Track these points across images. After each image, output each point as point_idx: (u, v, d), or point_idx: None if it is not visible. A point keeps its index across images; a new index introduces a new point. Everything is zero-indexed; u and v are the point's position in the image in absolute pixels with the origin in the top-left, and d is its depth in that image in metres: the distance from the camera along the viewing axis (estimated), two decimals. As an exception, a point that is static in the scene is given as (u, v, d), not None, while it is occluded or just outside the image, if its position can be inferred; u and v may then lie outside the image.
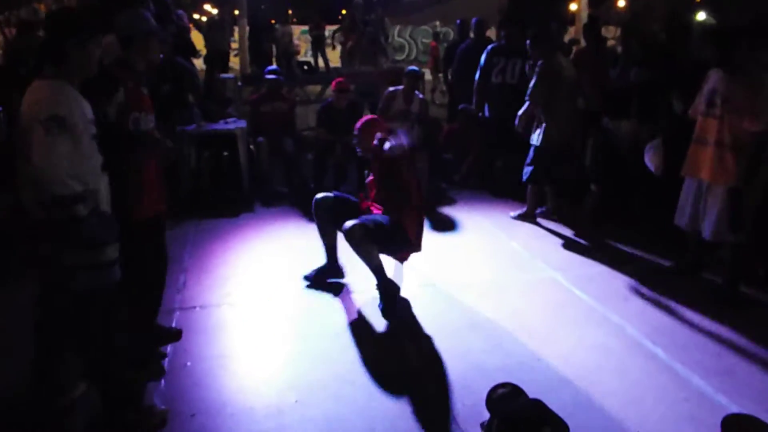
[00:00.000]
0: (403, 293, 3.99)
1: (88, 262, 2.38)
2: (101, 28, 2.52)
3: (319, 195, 4.18)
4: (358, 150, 4.27)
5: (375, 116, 4.29)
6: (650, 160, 4.49)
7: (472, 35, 7.50)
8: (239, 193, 6.09)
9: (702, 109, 3.90)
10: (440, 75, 11.56)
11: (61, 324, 2.51)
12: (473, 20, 7.43)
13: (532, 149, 5.36)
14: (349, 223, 3.68)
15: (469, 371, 3.13)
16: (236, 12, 13.45)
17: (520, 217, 5.58)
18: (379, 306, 3.79)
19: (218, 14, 11.81)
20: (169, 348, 3.32)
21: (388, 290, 3.82)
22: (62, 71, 2.39)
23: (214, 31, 10.98)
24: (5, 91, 4.89)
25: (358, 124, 4.19)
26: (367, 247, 3.73)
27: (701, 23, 8.54)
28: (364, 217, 3.84)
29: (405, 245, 3.94)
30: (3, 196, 4.50)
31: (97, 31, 2.47)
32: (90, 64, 2.46)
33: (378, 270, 3.80)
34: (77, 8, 2.93)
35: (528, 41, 5.39)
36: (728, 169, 3.75)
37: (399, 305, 3.82)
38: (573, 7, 13.74)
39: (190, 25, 10.18)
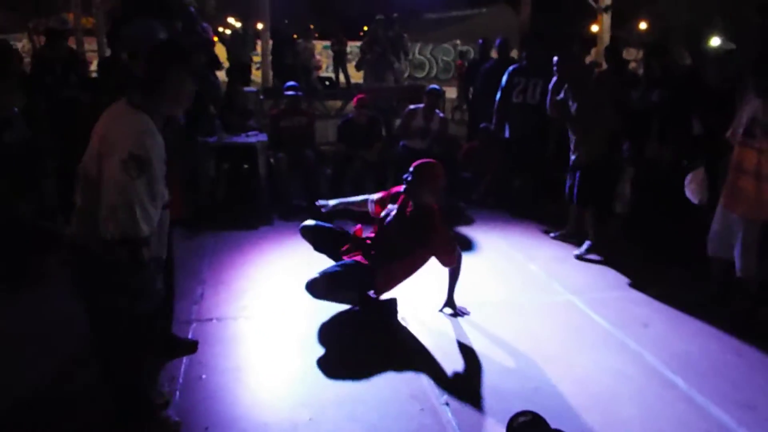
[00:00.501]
0: (418, 314, 3.98)
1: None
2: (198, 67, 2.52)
3: (303, 224, 4.20)
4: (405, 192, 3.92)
5: (437, 163, 4.02)
6: (693, 192, 4.32)
7: (495, 55, 7.53)
8: (258, 206, 6.12)
9: (740, 138, 3.80)
10: (465, 93, 11.62)
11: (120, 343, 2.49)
12: (497, 40, 7.46)
13: (577, 171, 5.13)
14: (310, 279, 3.68)
15: (484, 394, 3.09)
16: (260, 26, 13.61)
17: (561, 237, 5.50)
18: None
19: (241, 27, 11.95)
20: (184, 360, 3.32)
21: (383, 312, 3.88)
22: (151, 102, 2.34)
23: (237, 44, 11.11)
24: (31, 98, 4.98)
25: (419, 165, 3.91)
26: (336, 295, 3.80)
27: (722, 48, 8.51)
28: (332, 265, 3.84)
29: (369, 289, 3.87)
30: (25, 203, 4.59)
31: (195, 69, 2.46)
32: (181, 102, 2.44)
33: (359, 302, 3.87)
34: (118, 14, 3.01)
35: (556, 61, 5.30)
36: (766, 203, 3.69)
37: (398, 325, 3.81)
38: (594, 28, 13.74)
39: (214, 38, 10.31)
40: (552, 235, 5.56)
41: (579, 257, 5.06)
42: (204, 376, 3.18)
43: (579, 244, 5.23)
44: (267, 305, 4.09)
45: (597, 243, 5.10)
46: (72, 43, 8.11)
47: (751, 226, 3.79)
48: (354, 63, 15.01)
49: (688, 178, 4.35)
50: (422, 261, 3.90)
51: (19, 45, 13.01)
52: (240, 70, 10.81)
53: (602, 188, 5.18)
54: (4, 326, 3.69)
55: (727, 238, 3.95)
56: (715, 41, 9.53)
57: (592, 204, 5.14)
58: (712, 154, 4.31)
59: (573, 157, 5.17)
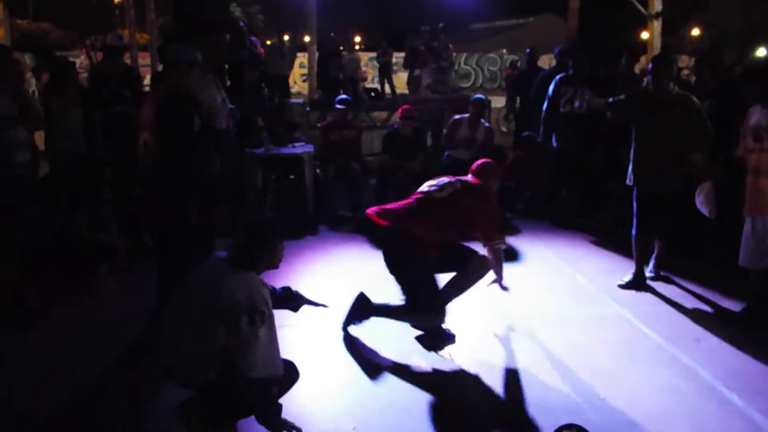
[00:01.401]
0: (463, 324, 3.95)
1: None
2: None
3: None
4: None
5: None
6: (702, 204, 4.23)
7: (553, 63, 7.47)
8: (304, 216, 6.20)
9: (751, 146, 3.87)
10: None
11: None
12: (556, 49, 7.41)
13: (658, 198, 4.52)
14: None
15: (529, 407, 3.05)
16: (306, 38, 13.83)
17: (628, 286, 4.62)
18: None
19: (278, 40, 12.11)
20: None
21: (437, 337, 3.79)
22: (255, 265, 2.72)
23: (274, 56, 11.27)
24: (88, 112, 5.18)
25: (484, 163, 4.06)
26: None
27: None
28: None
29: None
30: (80, 215, 4.76)
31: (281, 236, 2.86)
32: (276, 262, 2.83)
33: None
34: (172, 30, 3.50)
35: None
36: None
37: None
38: (644, 35, 13.45)
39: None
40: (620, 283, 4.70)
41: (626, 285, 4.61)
42: (250, 384, 3.22)
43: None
44: (312, 314, 4.10)
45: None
46: (126, 58, 8.38)
47: None
48: (398, 74, 15.12)
49: (698, 190, 4.24)
50: (462, 227, 3.83)
51: (77, 61, 13.54)
52: (277, 82, 11.00)
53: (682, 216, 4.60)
54: (55, 336, 3.83)
55: (758, 246, 3.85)
56: (761, 51, 9.24)
57: (666, 231, 4.63)
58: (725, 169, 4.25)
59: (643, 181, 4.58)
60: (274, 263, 2.82)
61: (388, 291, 4.49)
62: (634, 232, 4.64)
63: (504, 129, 11.78)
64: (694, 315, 4.15)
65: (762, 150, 3.80)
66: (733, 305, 4.25)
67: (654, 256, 4.78)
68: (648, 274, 4.71)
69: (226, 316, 2.50)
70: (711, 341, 3.77)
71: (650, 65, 4.65)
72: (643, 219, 4.59)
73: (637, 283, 4.60)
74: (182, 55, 3.56)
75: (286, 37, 12.67)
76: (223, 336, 2.49)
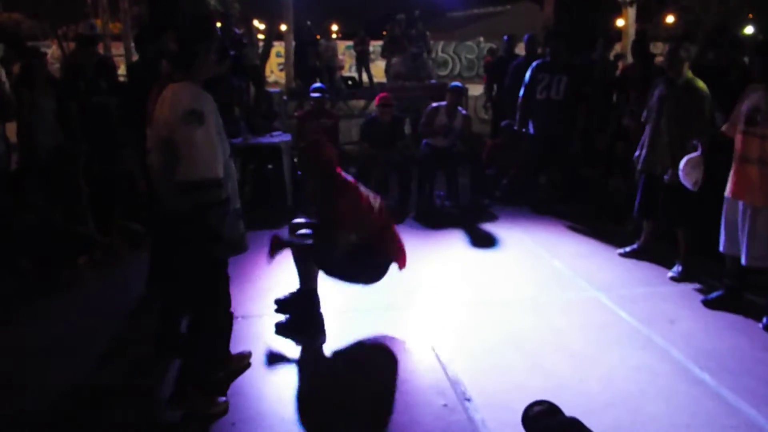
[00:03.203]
0: (442, 310, 3.99)
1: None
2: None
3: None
4: None
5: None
6: (687, 175, 4.12)
7: (524, 51, 7.49)
8: (283, 206, 6.18)
9: (741, 128, 3.82)
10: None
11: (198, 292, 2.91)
12: (525, 37, 7.43)
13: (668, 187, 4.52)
14: None
15: (509, 390, 3.09)
16: (283, 27, 13.73)
17: (630, 254, 4.96)
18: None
19: (244, 31, 11.99)
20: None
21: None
22: (190, 74, 2.70)
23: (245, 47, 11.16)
24: (64, 103, 5.10)
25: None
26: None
27: (751, 37, 8.35)
28: None
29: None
30: (57, 207, 4.71)
31: (213, 39, 2.80)
32: (210, 67, 2.78)
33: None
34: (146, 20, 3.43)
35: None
36: None
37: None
38: (620, 22, 13.57)
39: None
40: (621, 251, 5.02)
41: (674, 279, 4.56)
42: (231, 373, 3.23)
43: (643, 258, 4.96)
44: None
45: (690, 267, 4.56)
46: (100, 48, 8.25)
47: (758, 213, 3.75)
48: (375, 62, 15.06)
49: (683, 161, 4.14)
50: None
51: (49, 51, 13.28)
52: (250, 72, 10.88)
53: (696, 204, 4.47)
54: (36, 330, 3.79)
55: (735, 231, 3.90)
56: (748, 30, 9.37)
57: (686, 223, 4.56)
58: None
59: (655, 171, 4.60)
60: (209, 68, 2.78)
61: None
62: (635, 213, 4.89)
63: (485, 116, 11.81)
64: (669, 297, 4.23)
65: (752, 134, 3.74)
66: (706, 287, 4.34)
67: (681, 251, 4.59)
68: (671, 274, 4.58)
69: (167, 123, 2.59)
70: (684, 323, 3.85)
71: (668, 47, 4.69)
72: (644, 202, 4.72)
73: (637, 252, 4.95)
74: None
75: (262, 26, 12.56)
76: (167, 140, 2.59)
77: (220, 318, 3.05)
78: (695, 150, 4.16)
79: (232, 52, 5.60)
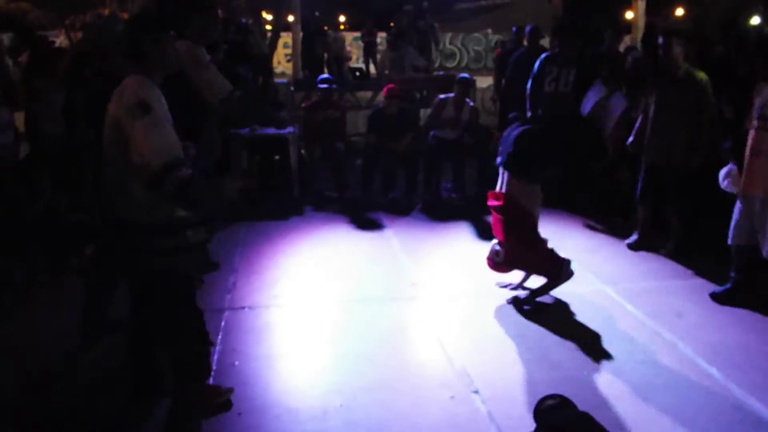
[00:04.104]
0: (448, 302, 3.99)
1: (173, 246, 2.61)
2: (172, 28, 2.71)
3: None
4: None
5: None
6: (730, 185, 4.08)
7: (525, 43, 7.44)
8: (289, 197, 6.18)
9: (754, 123, 3.84)
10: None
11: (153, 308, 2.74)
12: (527, 28, 7.37)
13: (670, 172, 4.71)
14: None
15: (514, 382, 3.09)
16: (290, 18, 13.67)
17: (637, 246, 4.98)
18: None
19: (252, 21, 11.95)
20: (218, 346, 3.39)
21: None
22: (143, 68, 2.57)
23: (253, 37, 11.13)
24: (70, 92, 5.10)
25: None
26: None
27: (757, 31, 8.28)
28: None
29: None
30: (63, 196, 4.72)
31: (169, 29, 2.66)
32: (166, 59, 2.64)
33: None
34: (152, 10, 3.21)
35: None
36: None
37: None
38: (629, 15, 13.46)
39: None
40: (629, 241, 5.04)
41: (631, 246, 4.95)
42: (237, 363, 3.24)
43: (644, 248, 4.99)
44: (298, 294, 4.14)
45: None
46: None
47: None
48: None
49: (723, 172, 4.18)
50: None
51: (57, 41, 13.29)
52: (257, 62, 10.85)
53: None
54: (40, 318, 3.81)
55: (749, 225, 3.89)
56: (755, 20, 9.30)
57: (682, 206, 4.76)
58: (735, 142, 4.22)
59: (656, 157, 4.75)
60: (166, 61, 2.64)
61: (372, 271, 4.54)
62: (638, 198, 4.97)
63: (493, 108, 11.75)
64: (676, 291, 4.21)
65: (764, 129, 3.75)
66: (714, 281, 4.31)
67: (672, 233, 4.87)
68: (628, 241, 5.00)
69: (114, 126, 2.52)
70: (691, 317, 3.83)
71: (660, 40, 4.73)
72: (646, 190, 4.86)
73: (638, 245, 4.97)
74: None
75: (269, 17, 12.52)
76: (117, 139, 2.50)
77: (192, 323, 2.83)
78: (726, 155, 4.19)
79: (225, 45, 5.51)
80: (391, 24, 13.48)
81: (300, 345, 3.49)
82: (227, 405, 2.86)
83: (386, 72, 9.88)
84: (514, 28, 8.59)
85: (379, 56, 11.04)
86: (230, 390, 2.94)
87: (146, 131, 2.43)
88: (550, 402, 2.50)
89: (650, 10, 11.64)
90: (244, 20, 8.08)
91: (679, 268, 4.59)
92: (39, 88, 4.96)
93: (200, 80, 3.60)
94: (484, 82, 13.03)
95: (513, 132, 3.98)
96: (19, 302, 3.95)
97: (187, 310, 2.76)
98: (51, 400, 2.96)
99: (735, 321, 3.77)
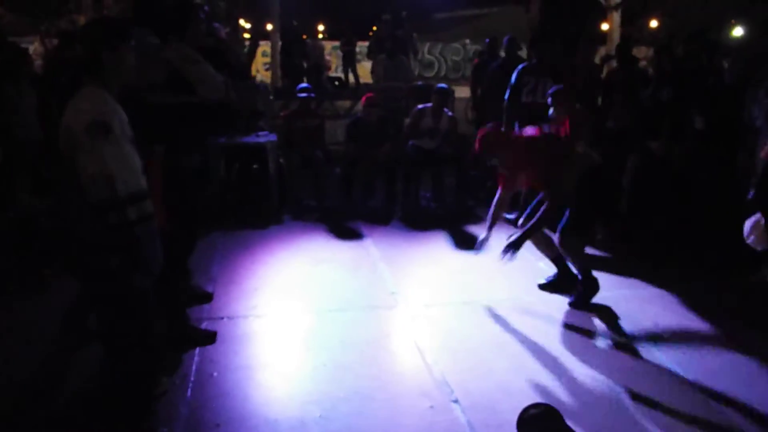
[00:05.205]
0: (427, 311, 4.00)
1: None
2: (132, 36, 2.58)
3: None
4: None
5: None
6: (757, 241, 3.98)
7: (503, 53, 7.51)
8: (268, 206, 6.15)
9: None
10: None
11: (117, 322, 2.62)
12: (505, 39, 7.44)
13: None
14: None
15: (493, 391, 3.10)
16: (269, 26, 13.66)
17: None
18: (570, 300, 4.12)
19: (229, 29, 11.90)
20: (195, 357, 3.35)
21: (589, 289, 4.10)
22: (98, 79, 2.45)
23: (230, 46, 11.10)
24: (45, 100, 5.04)
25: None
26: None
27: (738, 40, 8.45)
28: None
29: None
30: (39, 202, 4.64)
31: (127, 38, 2.53)
32: (124, 69, 2.52)
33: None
34: (109, 18, 3.07)
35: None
36: None
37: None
38: (605, 26, 13.67)
39: None
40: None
41: None
42: (215, 374, 3.21)
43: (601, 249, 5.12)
44: (277, 303, 4.11)
45: None
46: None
47: None
48: (362, 63, 15.03)
49: (748, 226, 4.02)
50: None
51: (30, 48, 13.11)
52: (233, 70, 10.81)
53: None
54: (17, 328, 3.74)
55: None
56: (737, 31, 9.49)
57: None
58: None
59: None
60: (123, 71, 2.51)
61: (351, 280, 4.53)
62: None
63: (470, 118, 11.82)
64: (653, 299, 4.26)
65: None
66: (691, 288, 4.38)
67: None
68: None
69: (68, 141, 2.36)
70: (669, 324, 3.88)
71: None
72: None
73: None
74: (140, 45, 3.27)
75: (248, 25, 12.48)
76: (70, 157, 2.34)
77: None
78: (751, 206, 4.13)
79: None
80: (370, 33, 13.52)
81: (279, 355, 3.47)
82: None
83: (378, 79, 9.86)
84: (487, 39, 8.68)
85: (371, 64, 11.08)
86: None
87: (104, 156, 2.30)
88: (533, 411, 2.50)
89: (625, 21, 11.85)
90: (216, 25, 8.00)
91: (657, 277, 4.62)
92: (9, 94, 4.90)
93: (192, 78, 3.51)
94: (463, 92, 13.13)
95: None
96: None
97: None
98: (30, 410, 2.90)
99: (711, 329, 3.83)
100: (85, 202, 2.35)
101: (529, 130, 4.24)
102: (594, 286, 4.11)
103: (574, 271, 4.19)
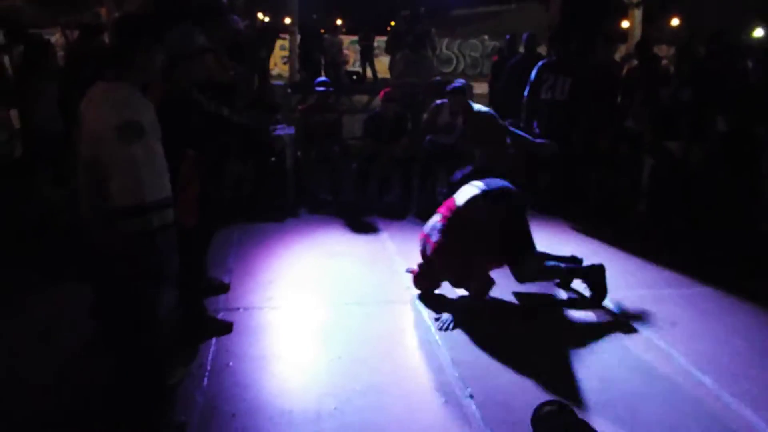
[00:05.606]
0: (443, 306, 3.99)
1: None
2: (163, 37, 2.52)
3: None
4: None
5: None
6: None
7: (522, 50, 7.47)
8: (285, 199, 6.17)
9: None
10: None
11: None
12: (524, 35, 7.40)
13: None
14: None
15: (508, 388, 3.09)
16: (287, 20, 13.68)
17: None
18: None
19: (246, 23, 11.93)
20: (212, 347, 3.38)
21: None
22: (126, 75, 2.38)
23: (249, 39, 11.14)
24: (67, 92, 5.09)
25: None
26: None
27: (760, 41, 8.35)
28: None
29: None
30: (60, 193, 4.70)
31: (160, 38, 2.48)
32: (152, 69, 2.46)
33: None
34: (145, 14, 3.01)
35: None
36: None
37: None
38: (625, 24, 13.54)
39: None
40: None
41: None
42: (231, 364, 3.23)
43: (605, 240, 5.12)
44: (293, 296, 4.13)
45: None
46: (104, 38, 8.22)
47: None
48: (380, 58, 15.02)
49: None
50: None
51: (52, 39, 13.24)
52: (253, 63, 10.84)
53: None
54: (30, 321, 3.78)
55: None
56: (758, 32, 9.38)
57: None
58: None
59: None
60: (151, 70, 2.44)
61: (367, 274, 4.53)
62: None
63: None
64: (671, 300, 4.22)
65: None
66: (709, 292, 4.34)
67: None
68: None
69: (95, 140, 2.24)
70: (686, 326, 3.84)
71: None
72: None
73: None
74: (187, 42, 3.03)
75: (266, 19, 12.51)
76: (95, 157, 2.23)
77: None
78: None
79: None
80: (388, 28, 13.50)
81: (294, 347, 3.48)
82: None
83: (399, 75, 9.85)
84: (507, 36, 8.63)
85: (389, 59, 11.07)
86: (185, 424, 2.75)
87: (137, 160, 2.21)
88: (548, 408, 2.51)
89: (646, 19, 11.73)
90: (235, 17, 8.00)
91: (675, 277, 4.60)
92: (32, 86, 4.95)
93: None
94: (481, 88, 13.09)
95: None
96: (7, 304, 3.90)
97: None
98: (42, 403, 2.93)
99: (728, 330, 3.79)
100: (105, 205, 2.26)
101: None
102: (595, 272, 4.10)
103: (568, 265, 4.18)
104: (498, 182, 4.01)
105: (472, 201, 3.87)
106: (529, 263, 3.94)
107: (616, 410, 2.93)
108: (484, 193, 3.89)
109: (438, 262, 3.89)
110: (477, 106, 5.64)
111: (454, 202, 3.97)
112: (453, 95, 6.02)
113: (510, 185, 4.01)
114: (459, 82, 6.74)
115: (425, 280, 4.08)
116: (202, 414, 2.82)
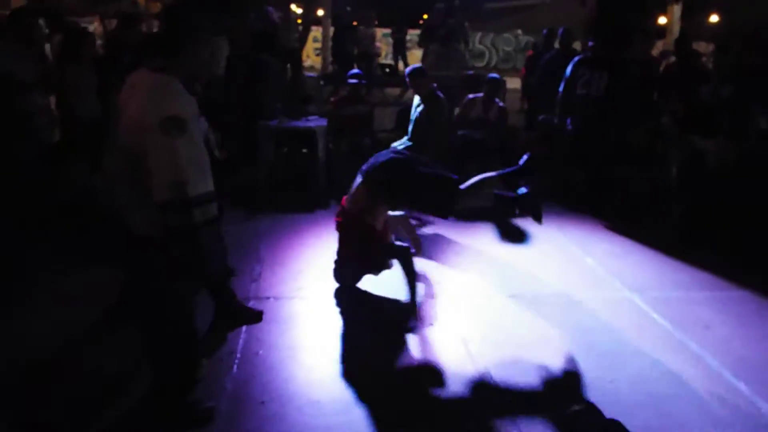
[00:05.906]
0: (472, 302, 3.98)
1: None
2: (216, 30, 2.44)
3: None
4: None
5: None
6: None
7: (557, 45, 7.39)
8: (315, 190, 6.20)
9: None
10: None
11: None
12: (560, 30, 7.31)
13: None
14: None
15: (537, 386, 3.07)
16: (320, 12, 13.72)
17: None
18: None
19: (280, 15, 11.96)
20: (242, 335, 3.42)
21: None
22: (171, 65, 2.29)
23: (282, 30, 11.17)
24: (106, 81, 5.18)
25: None
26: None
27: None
28: None
29: None
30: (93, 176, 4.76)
31: (212, 33, 2.40)
32: (199, 63, 2.37)
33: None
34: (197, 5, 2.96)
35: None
36: None
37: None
38: (663, 20, 13.28)
39: None
40: None
41: None
42: (260, 352, 3.27)
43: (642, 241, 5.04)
44: (322, 286, 4.15)
45: None
46: (142, 27, 8.33)
47: None
48: (412, 51, 14.98)
49: None
50: None
51: (90, 27, 13.49)
52: (288, 55, 10.89)
53: None
54: (49, 307, 3.85)
55: None
56: None
57: None
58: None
59: None
60: (197, 64, 2.33)
61: (396, 267, 4.53)
62: None
63: (522, 108, 11.68)
64: (704, 302, 4.14)
65: None
66: (745, 295, 4.25)
67: None
68: None
69: (140, 128, 2.17)
70: (720, 329, 3.77)
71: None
72: None
73: None
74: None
75: (299, 10, 12.55)
76: (136, 147, 2.16)
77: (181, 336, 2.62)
78: None
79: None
80: (421, 21, 13.45)
81: (323, 337, 3.50)
82: (204, 423, 2.69)
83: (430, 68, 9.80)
84: (545, 31, 8.54)
85: (421, 52, 11.04)
86: (212, 408, 2.77)
87: (179, 153, 2.14)
88: (576, 408, 2.48)
89: (685, 15, 11.49)
90: (269, 9, 8.04)
91: (710, 279, 4.51)
92: (71, 73, 5.04)
93: None
94: (513, 83, 12.97)
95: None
96: (29, 288, 3.92)
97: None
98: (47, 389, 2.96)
99: (764, 335, 3.71)
100: (145, 197, 2.20)
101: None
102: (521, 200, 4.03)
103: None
104: (382, 155, 4.05)
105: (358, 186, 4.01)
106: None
107: (645, 412, 2.89)
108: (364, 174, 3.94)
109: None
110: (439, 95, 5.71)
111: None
112: (412, 78, 5.85)
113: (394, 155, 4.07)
114: (492, 76, 6.71)
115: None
116: (231, 400, 2.86)
